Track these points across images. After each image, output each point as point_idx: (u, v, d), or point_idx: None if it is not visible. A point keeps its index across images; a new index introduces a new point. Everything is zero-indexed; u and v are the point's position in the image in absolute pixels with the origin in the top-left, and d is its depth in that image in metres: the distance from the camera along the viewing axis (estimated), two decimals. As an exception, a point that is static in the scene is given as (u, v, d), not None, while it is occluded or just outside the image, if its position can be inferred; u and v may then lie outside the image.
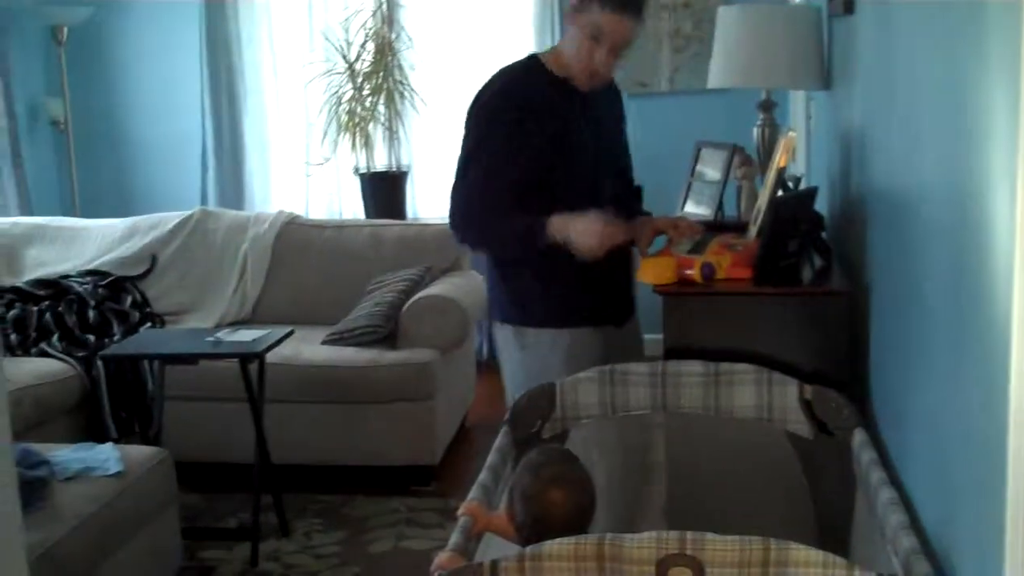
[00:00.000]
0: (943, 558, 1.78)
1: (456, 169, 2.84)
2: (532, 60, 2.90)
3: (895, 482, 2.07)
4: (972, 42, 1.57)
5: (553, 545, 1.65)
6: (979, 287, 1.51)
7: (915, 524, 1.88)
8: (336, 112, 5.68)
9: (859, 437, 2.26)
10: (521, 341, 2.88)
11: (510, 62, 2.92)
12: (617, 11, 2.69)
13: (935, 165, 1.88)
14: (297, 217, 5.27)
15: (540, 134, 2.75)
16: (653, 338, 2.90)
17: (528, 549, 1.68)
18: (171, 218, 5.24)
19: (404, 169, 5.83)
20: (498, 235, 2.81)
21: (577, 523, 1.97)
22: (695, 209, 3.65)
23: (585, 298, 2.85)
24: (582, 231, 2.66)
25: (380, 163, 5.81)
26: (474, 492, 2.13)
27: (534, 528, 1.96)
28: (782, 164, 2.98)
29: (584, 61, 2.76)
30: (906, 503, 1.98)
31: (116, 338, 4.55)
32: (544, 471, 2.02)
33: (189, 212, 5.27)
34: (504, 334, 2.93)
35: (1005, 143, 1.37)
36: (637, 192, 3.14)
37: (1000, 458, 1.37)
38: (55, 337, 4.51)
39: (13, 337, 4.50)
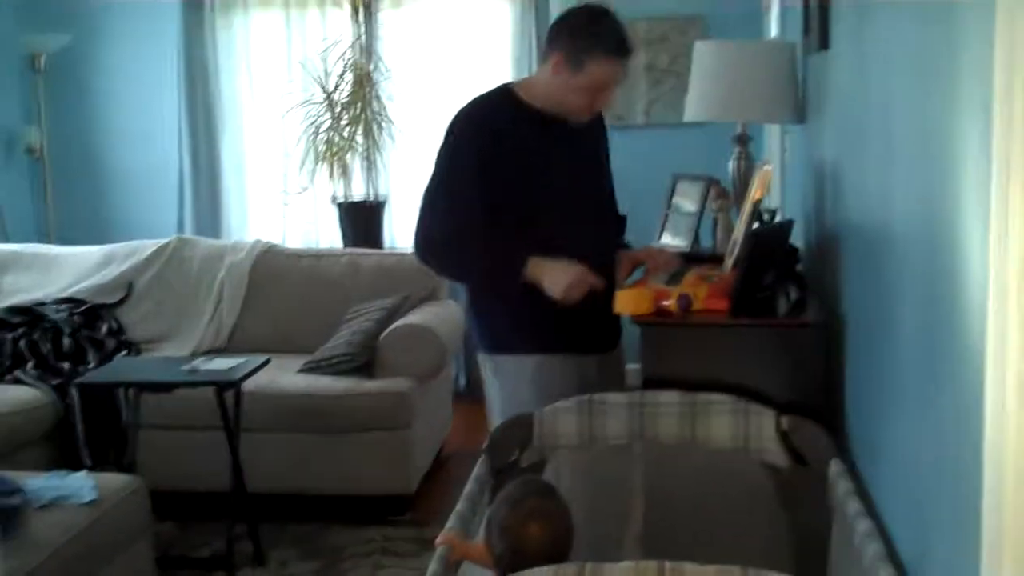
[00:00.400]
0: (918, 587, 1.79)
1: (424, 193, 2.87)
2: (504, 89, 2.92)
3: (871, 512, 2.08)
4: (945, 79, 1.61)
5: (532, 574, 1.65)
6: (952, 319, 1.54)
7: (892, 555, 1.90)
8: (314, 142, 5.70)
9: (835, 468, 2.28)
10: (494, 368, 2.91)
11: (482, 93, 2.95)
12: (616, 57, 2.77)
13: (908, 198, 1.91)
14: (274, 246, 5.27)
15: (508, 162, 2.77)
16: (631, 367, 2.92)
17: (507, 578, 1.68)
18: (147, 246, 5.23)
19: (381, 199, 5.85)
20: (464, 262, 2.85)
21: (555, 556, 1.97)
22: (671, 240, 3.67)
23: (555, 325, 2.84)
24: (553, 280, 2.70)
25: (358, 192, 5.82)
26: (452, 521, 2.14)
27: (512, 561, 1.96)
28: (757, 197, 3.01)
29: (587, 107, 2.83)
30: (883, 534, 1.99)
31: (91, 366, 4.53)
32: (522, 505, 2.04)
33: (166, 240, 5.26)
34: (483, 362, 2.96)
35: (977, 177, 1.39)
36: (621, 222, 3.16)
37: (974, 490, 1.39)
38: (29, 364, 4.48)
39: (-13, 364, 4.47)
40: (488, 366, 2.92)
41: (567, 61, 2.75)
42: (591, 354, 2.93)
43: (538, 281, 2.72)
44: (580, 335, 2.91)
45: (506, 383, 2.87)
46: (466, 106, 2.89)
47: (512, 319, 2.86)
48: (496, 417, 2.85)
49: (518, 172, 2.79)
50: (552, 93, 2.82)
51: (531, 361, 2.85)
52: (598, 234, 2.96)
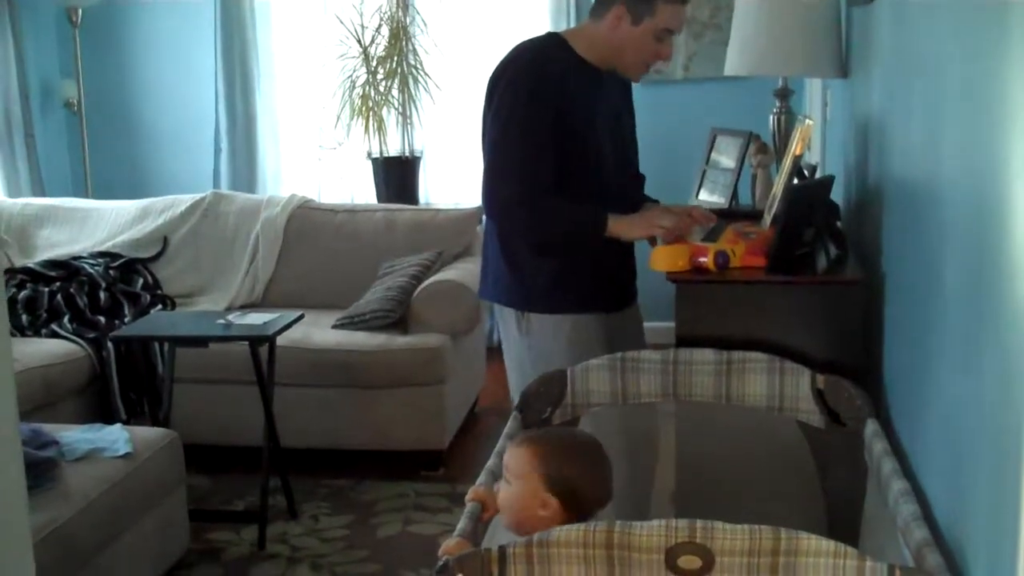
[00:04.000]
0: (956, 550, 1.76)
1: (490, 149, 2.76)
2: (556, 38, 2.86)
3: (907, 473, 2.05)
4: (993, 31, 1.55)
5: (562, 531, 1.63)
6: (998, 278, 1.49)
7: (928, 515, 1.86)
8: (350, 96, 5.67)
9: (871, 427, 2.24)
10: (524, 326, 2.87)
11: (531, 38, 2.89)
12: (678, 3, 2.74)
13: (955, 154, 1.86)
14: (309, 201, 5.26)
15: (571, 113, 2.72)
16: (665, 326, 2.88)
17: (536, 536, 1.66)
18: (183, 200, 5.24)
19: (417, 154, 5.82)
20: (545, 222, 2.76)
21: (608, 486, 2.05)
22: (709, 197, 3.62)
23: (589, 285, 2.83)
24: (653, 221, 2.78)
25: (393, 148, 5.79)
26: (483, 477, 2.12)
27: (593, 481, 2.01)
28: (798, 152, 2.95)
29: (649, 57, 2.80)
30: (918, 494, 1.95)
31: (127, 320, 4.55)
32: (571, 430, 2.20)
33: (201, 195, 5.27)
34: (506, 317, 2.91)
35: (1027, 130, 1.34)
36: (641, 181, 3.12)
37: (1016, 450, 1.35)
38: (66, 318, 4.51)
39: (24, 318, 4.51)
40: (518, 323, 2.88)
41: (629, 12, 2.71)
42: (616, 311, 2.90)
43: (623, 236, 2.75)
44: (611, 293, 2.89)
45: (537, 341, 2.84)
46: (520, 52, 2.80)
47: (551, 277, 2.82)
48: (522, 375, 2.82)
49: (572, 126, 2.73)
50: (611, 48, 2.78)
51: (567, 321, 2.82)
52: (628, 193, 2.93)
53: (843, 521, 2.35)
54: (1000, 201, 1.49)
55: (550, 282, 2.83)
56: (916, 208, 2.21)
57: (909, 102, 2.34)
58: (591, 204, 2.76)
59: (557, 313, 2.83)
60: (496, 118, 2.75)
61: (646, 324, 3.12)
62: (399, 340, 4.33)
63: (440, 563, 1.66)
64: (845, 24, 3.51)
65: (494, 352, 5.30)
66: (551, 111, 2.70)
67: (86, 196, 5.84)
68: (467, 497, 2.06)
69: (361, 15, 5.67)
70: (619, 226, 2.75)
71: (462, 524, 1.96)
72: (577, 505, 1.98)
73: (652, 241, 2.84)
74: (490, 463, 2.19)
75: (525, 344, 2.86)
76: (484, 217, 2.93)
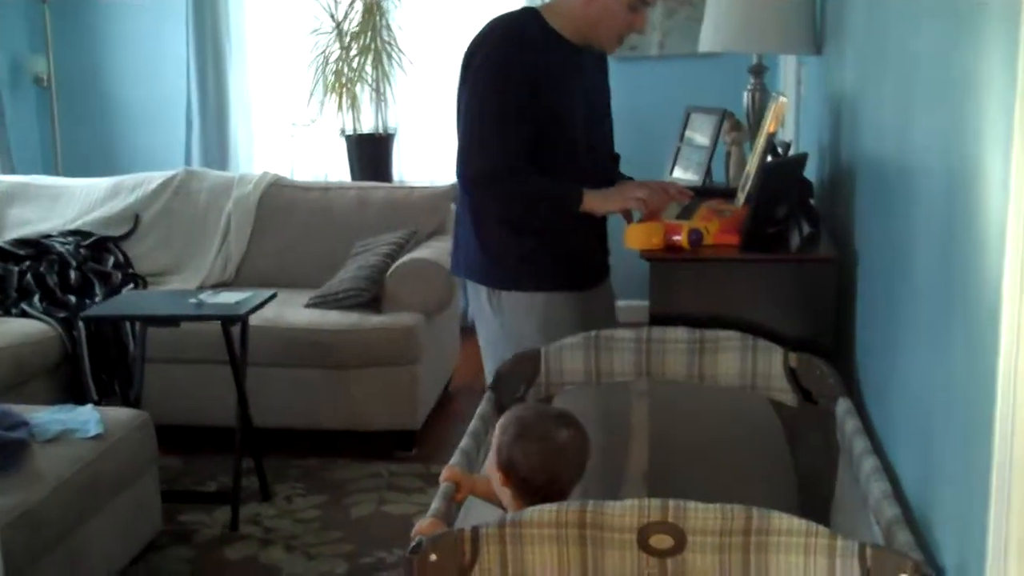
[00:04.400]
0: (925, 527, 1.77)
1: (465, 123, 2.74)
2: (531, 12, 2.84)
3: (879, 451, 2.05)
4: (965, 9, 1.55)
5: (534, 512, 1.63)
6: (969, 257, 1.49)
7: (898, 493, 1.87)
8: (323, 73, 5.63)
9: (843, 406, 2.24)
10: (496, 304, 2.85)
11: (506, 12, 2.87)
12: None
13: (927, 132, 1.86)
14: (282, 179, 5.22)
15: (545, 89, 2.70)
16: (638, 304, 2.88)
17: (509, 516, 1.66)
18: (155, 178, 5.20)
19: (391, 131, 5.78)
20: (520, 196, 2.76)
21: (585, 464, 2.00)
22: (683, 175, 3.62)
23: (562, 262, 2.82)
24: (628, 195, 2.77)
25: (367, 125, 5.76)
26: (456, 458, 2.11)
27: (545, 470, 1.95)
28: (772, 130, 2.95)
29: (623, 29, 2.78)
30: (889, 472, 1.96)
31: (98, 299, 4.51)
32: (549, 411, 2.10)
33: (173, 172, 5.22)
34: (479, 295, 2.90)
35: (999, 111, 1.34)
36: (616, 159, 3.11)
37: (984, 430, 1.36)
38: (36, 297, 4.46)
39: (-7, 297, 4.46)
40: (490, 301, 2.86)
41: None
42: (589, 289, 2.90)
43: (599, 210, 2.75)
44: (584, 271, 2.88)
45: (508, 320, 2.83)
46: (495, 27, 2.79)
47: (524, 255, 2.81)
48: (495, 353, 2.81)
49: (547, 102, 2.72)
50: (586, 20, 2.76)
51: (540, 298, 2.81)
52: (601, 171, 2.92)
53: (814, 499, 2.36)
54: (970, 180, 1.49)
55: (522, 260, 2.81)
56: (888, 187, 2.21)
57: (881, 79, 2.34)
58: (566, 179, 2.75)
59: (529, 291, 2.81)
60: (472, 93, 2.73)
61: (620, 302, 3.12)
62: (372, 319, 4.32)
63: (413, 543, 1.65)
64: (819, 0, 3.50)
65: (468, 331, 5.27)
66: (526, 86, 2.68)
67: (56, 173, 5.78)
68: (441, 477, 2.05)
69: (334, -10, 5.63)
70: (594, 200, 2.74)
71: (435, 504, 1.95)
72: (524, 487, 1.96)
73: (627, 217, 2.83)
74: (464, 443, 2.18)
75: (497, 322, 2.85)
76: (458, 194, 2.91)
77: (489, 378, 2.88)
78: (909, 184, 1.98)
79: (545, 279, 2.82)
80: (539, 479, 1.96)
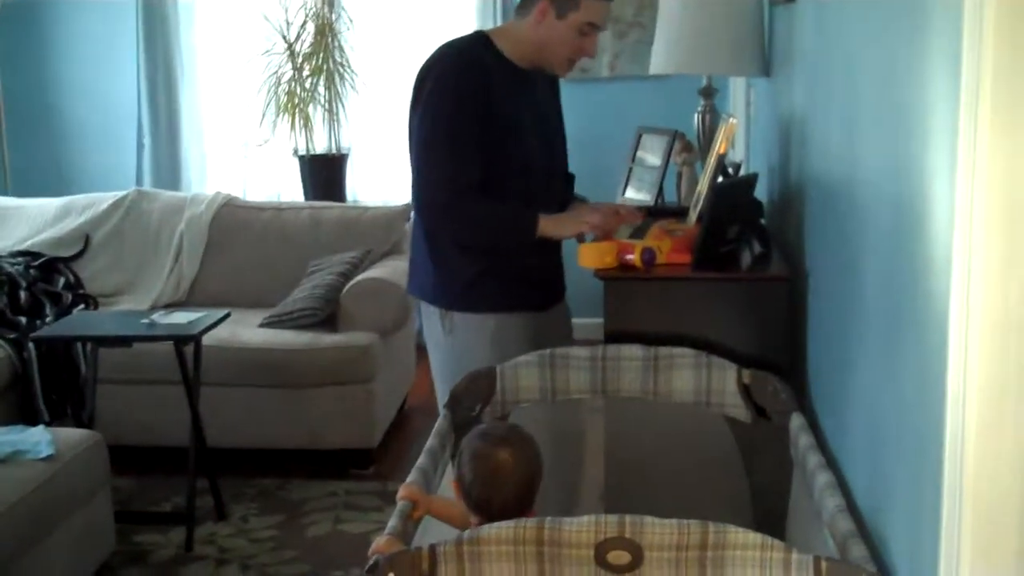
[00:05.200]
0: (879, 540, 1.80)
1: (418, 148, 2.75)
2: (481, 36, 2.85)
3: (832, 466, 2.09)
4: (911, 30, 1.59)
5: (492, 529, 1.64)
6: (916, 273, 1.53)
7: (852, 507, 1.90)
8: (275, 93, 5.62)
9: (796, 421, 2.28)
10: (448, 324, 2.86)
11: (456, 37, 2.89)
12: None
13: (873, 153, 1.90)
14: (235, 199, 5.21)
15: (496, 114, 2.72)
16: (593, 322, 2.90)
17: (466, 533, 1.67)
18: (105, 198, 5.16)
19: (344, 151, 5.78)
20: (478, 221, 2.76)
21: (527, 484, 1.99)
22: (635, 195, 3.66)
23: (515, 284, 2.83)
24: (579, 220, 2.79)
25: (320, 146, 5.75)
26: (413, 475, 2.12)
27: (484, 489, 1.97)
28: (722, 150, 2.99)
29: (575, 54, 2.80)
30: (842, 486, 2.00)
31: (48, 320, 4.47)
32: (494, 432, 2.06)
33: (124, 193, 5.19)
34: (430, 315, 2.91)
35: (944, 131, 1.38)
36: (570, 180, 3.14)
37: (935, 442, 1.39)
38: (-15, 318, 4.41)
39: (-58, 318, 4.40)
40: (442, 321, 2.87)
41: (554, 6, 2.72)
42: (543, 310, 2.92)
43: (553, 235, 2.77)
44: (537, 292, 2.90)
45: (460, 341, 2.83)
46: (445, 52, 2.79)
47: (476, 276, 2.81)
48: (447, 374, 2.82)
49: (498, 127, 2.73)
50: (535, 44, 2.78)
51: (491, 320, 2.82)
52: (555, 193, 2.95)
53: (769, 514, 2.39)
54: (916, 200, 1.53)
55: (474, 280, 2.82)
56: (836, 206, 2.25)
57: (829, 102, 2.39)
58: (520, 205, 2.77)
59: (480, 312, 2.82)
60: (422, 119, 2.74)
61: (575, 320, 3.14)
62: (327, 338, 4.31)
63: (371, 562, 1.66)
64: (768, 23, 3.56)
65: (423, 350, 5.28)
66: (477, 111, 2.70)
67: (5, 194, 5.71)
68: (398, 495, 2.06)
69: (286, 11, 5.62)
70: (549, 225, 2.76)
71: (392, 523, 1.95)
72: (468, 500, 1.99)
73: (580, 238, 2.86)
74: (420, 461, 2.19)
75: (449, 342, 2.86)
76: (412, 214, 2.92)
77: (441, 398, 2.89)
78: (857, 204, 2.02)
79: (497, 300, 2.82)
80: (478, 494, 1.98)
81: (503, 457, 1.98)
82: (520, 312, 2.84)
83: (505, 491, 1.97)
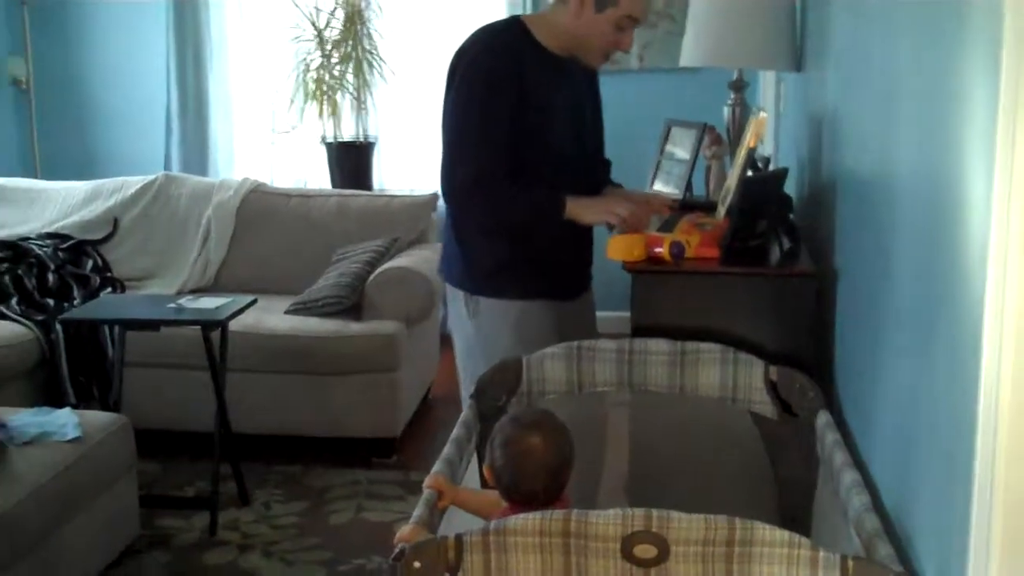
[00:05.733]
0: (905, 540, 1.79)
1: (450, 131, 2.75)
2: (518, 23, 2.85)
3: (858, 464, 2.08)
4: (950, 26, 1.57)
5: (519, 519, 1.64)
6: (951, 272, 1.51)
7: (878, 506, 1.89)
8: (304, 80, 5.63)
9: (823, 419, 2.27)
10: (472, 309, 2.86)
11: (492, 22, 2.88)
12: None
13: (908, 150, 1.88)
14: (262, 185, 5.22)
15: (529, 99, 2.72)
16: (620, 315, 2.90)
17: (492, 523, 1.67)
18: (134, 182, 5.19)
19: (371, 139, 5.79)
20: (505, 203, 2.75)
21: (556, 471, 1.97)
22: (663, 188, 3.64)
23: (540, 272, 2.83)
24: (608, 208, 2.76)
25: (347, 133, 5.76)
26: (439, 465, 2.12)
27: (513, 474, 1.96)
28: (752, 145, 2.97)
29: (609, 46, 2.79)
30: (869, 485, 1.98)
31: (76, 302, 4.50)
32: (525, 417, 2.06)
33: (152, 177, 5.21)
34: (455, 298, 2.92)
35: (982, 127, 1.36)
36: (607, 166, 3.13)
37: (966, 443, 1.38)
38: (13, 300, 4.44)
39: (-30, 299, 4.43)
40: (467, 306, 2.87)
41: (597, 8, 2.71)
42: (568, 300, 2.91)
43: (579, 218, 2.74)
44: (562, 282, 2.90)
45: (484, 326, 2.84)
46: (480, 36, 2.79)
47: (502, 262, 2.82)
48: (469, 359, 2.83)
49: (531, 113, 2.72)
50: (572, 35, 2.77)
51: (515, 306, 2.82)
52: (589, 180, 2.94)
53: (794, 511, 2.38)
54: (952, 197, 1.52)
55: (500, 267, 2.82)
56: (869, 202, 2.24)
57: (863, 97, 2.37)
58: (548, 188, 2.76)
59: (504, 298, 2.82)
60: (455, 103, 2.74)
61: (602, 313, 3.13)
62: (353, 326, 4.32)
63: (396, 550, 1.66)
64: (800, 16, 3.54)
65: (447, 340, 5.29)
66: (511, 96, 2.69)
67: (35, 176, 5.75)
68: (424, 484, 2.06)
69: (316, -2, 5.64)
70: (575, 208, 2.75)
71: (418, 511, 1.95)
72: (497, 484, 1.99)
73: (610, 227, 2.85)
74: (446, 451, 2.19)
75: (472, 327, 2.86)
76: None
77: (463, 383, 2.90)
78: (890, 199, 2.01)
79: (522, 287, 2.82)
80: (508, 479, 1.98)
81: (533, 442, 1.98)
82: (544, 300, 2.84)
83: (533, 476, 1.96)
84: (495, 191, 2.73)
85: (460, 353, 2.94)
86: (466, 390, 2.93)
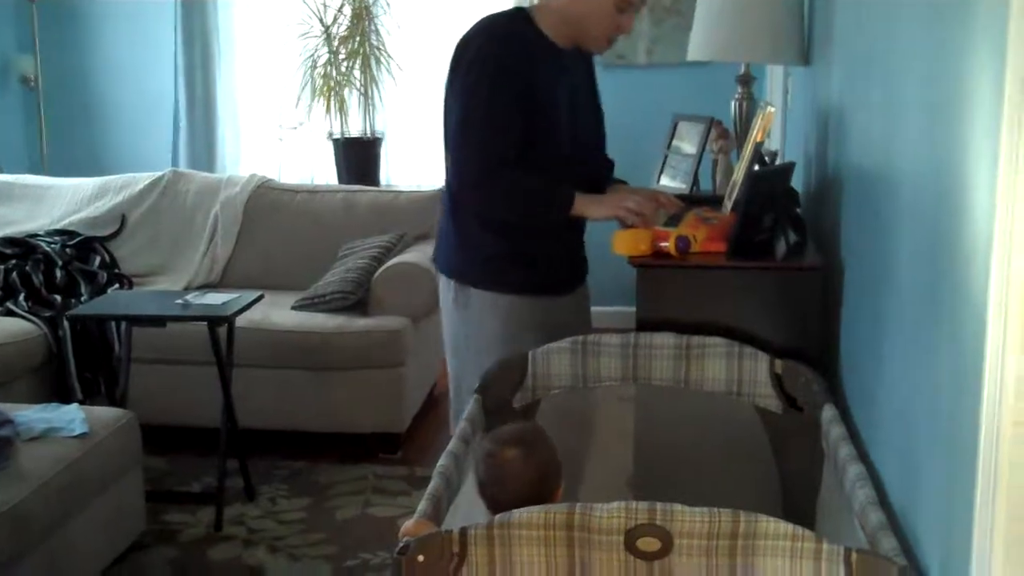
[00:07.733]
0: (910, 534, 1.78)
1: (455, 120, 2.72)
2: (522, 13, 2.84)
3: (863, 458, 2.07)
4: (956, 20, 1.56)
5: (523, 513, 1.64)
6: (955, 266, 1.51)
7: (883, 500, 1.89)
8: (311, 76, 5.63)
9: (828, 413, 2.26)
10: (462, 299, 2.85)
11: (496, 12, 2.87)
12: None
13: (913, 143, 1.87)
14: (269, 181, 5.22)
15: (534, 90, 2.71)
16: (625, 310, 2.89)
17: (497, 517, 1.66)
18: (141, 179, 5.19)
19: (378, 135, 5.79)
20: (513, 194, 2.74)
21: (536, 484, 1.97)
22: (670, 182, 3.64)
23: (533, 267, 2.82)
24: (617, 203, 2.76)
25: (355, 129, 5.76)
26: (444, 460, 2.11)
27: (492, 488, 1.99)
28: (759, 139, 2.96)
29: (611, 30, 2.78)
30: (874, 479, 1.98)
31: (83, 298, 4.50)
32: (504, 433, 2.07)
33: (160, 173, 5.22)
34: (446, 288, 2.91)
35: (986, 122, 1.36)
36: (609, 165, 3.12)
37: (969, 438, 1.37)
38: (21, 296, 4.45)
39: (-22, 295, 4.44)
40: (456, 296, 2.86)
41: None
42: (561, 295, 2.91)
43: (587, 214, 2.75)
44: (555, 277, 2.88)
45: (474, 318, 2.83)
46: (485, 26, 2.78)
47: (495, 255, 2.80)
48: (456, 348, 2.85)
49: (535, 104, 2.71)
50: (574, 20, 2.76)
51: (505, 300, 2.80)
52: (589, 175, 2.93)
53: (799, 505, 2.37)
54: (956, 192, 1.51)
55: (494, 259, 2.81)
56: (874, 197, 2.23)
57: (868, 91, 2.36)
58: (556, 181, 2.76)
59: (495, 291, 2.81)
60: (460, 92, 2.72)
61: (606, 308, 3.13)
62: (359, 322, 4.32)
63: (401, 544, 1.66)
64: (807, 11, 3.53)
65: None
66: (515, 86, 2.68)
67: (43, 173, 5.76)
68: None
69: (323, -6, 5.64)
70: (584, 204, 2.75)
71: (423, 505, 1.95)
72: (492, 506, 2.00)
73: (622, 223, 2.84)
74: (451, 446, 2.18)
75: (461, 317, 2.85)
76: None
77: (451, 372, 2.90)
78: (895, 194, 2.00)
79: (514, 281, 2.81)
80: (489, 493, 2.01)
81: (510, 456, 2.00)
82: (536, 295, 2.83)
83: (512, 490, 1.97)
84: (502, 182, 2.71)
85: (447, 341, 2.94)
86: (454, 380, 2.93)
